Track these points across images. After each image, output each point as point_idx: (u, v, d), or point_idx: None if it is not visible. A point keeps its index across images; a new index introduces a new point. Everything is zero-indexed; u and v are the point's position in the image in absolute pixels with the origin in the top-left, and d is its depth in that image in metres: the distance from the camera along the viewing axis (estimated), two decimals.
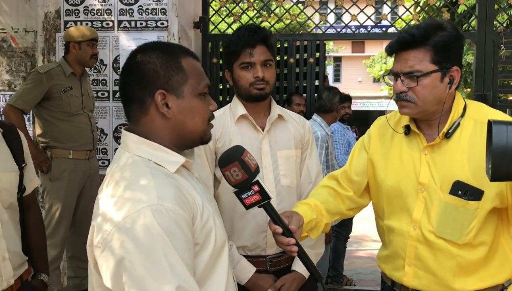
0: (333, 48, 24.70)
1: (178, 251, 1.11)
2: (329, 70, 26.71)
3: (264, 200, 1.44)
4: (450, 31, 1.58)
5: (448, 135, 1.61)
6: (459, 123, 1.62)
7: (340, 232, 4.93)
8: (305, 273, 1.94)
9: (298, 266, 1.95)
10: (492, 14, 4.17)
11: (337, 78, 29.23)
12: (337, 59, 28.88)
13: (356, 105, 21.36)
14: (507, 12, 4.86)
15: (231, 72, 1.97)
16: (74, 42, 3.60)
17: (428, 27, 1.57)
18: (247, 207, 1.45)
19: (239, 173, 1.39)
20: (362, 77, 27.89)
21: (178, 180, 1.24)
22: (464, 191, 1.55)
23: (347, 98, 5.11)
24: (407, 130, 1.71)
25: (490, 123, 1.08)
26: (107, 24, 3.98)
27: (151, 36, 3.87)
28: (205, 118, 1.32)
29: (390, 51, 1.64)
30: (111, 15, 3.97)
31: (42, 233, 2.04)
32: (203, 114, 1.31)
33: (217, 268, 1.28)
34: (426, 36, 1.55)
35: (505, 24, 4.26)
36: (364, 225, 6.33)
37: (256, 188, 1.41)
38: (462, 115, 1.63)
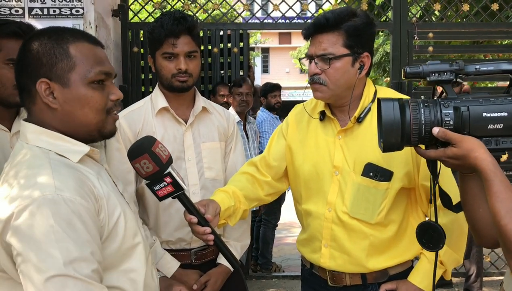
0: (260, 40, 24.85)
1: (76, 242, 1.07)
2: (257, 61, 26.86)
3: (177, 191, 1.41)
4: (362, 18, 1.64)
5: (359, 120, 1.67)
6: (370, 108, 1.68)
7: (268, 220, 5.00)
8: (231, 266, 1.92)
9: (224, 259, 1.93)
10: (406, 5, 4.37)
11: (265, 69, 29.48)
12: (265, 51, 29.11)
13: (284, 96, 21.68)
14: (420, 4, 5.11)
15: (153, 59, 1.90)
16: None
17: (342, 12, 1.63)
18: (160, 199, 1.42)
19: (149, 165, 1.35)
20: (290, 68, 28.33)
21: (81, 170, 1.19)
22: (375, 172, 1.61)
23: (276, 87, 5.16)
24: (322, 116, 1.75)
25: (379, 101, 1.20)
26: (17, 11, 3.73)
27: (66, 25, 3.67)
28: (98, 109, 1.23)
29: (306, 34, 1.68)
30: (21, 1, 3.72)
31: None
32: (94, 104, 1.22)
33: (130, 261, 1.25)
34: (339, 21, 1.61)
35: (418, 15, 4.48)
36: (292, 212, 6.46)
37: (168, 179, 1.39)
38: (373, 100, 1.69)
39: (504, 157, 4.57)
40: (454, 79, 1.17)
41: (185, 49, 1.83)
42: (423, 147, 1.20)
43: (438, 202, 1.33)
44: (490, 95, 1.13)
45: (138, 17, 4.35)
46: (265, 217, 4.95)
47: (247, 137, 4.27)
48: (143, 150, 1.36)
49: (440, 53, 4.90)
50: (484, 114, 1.10)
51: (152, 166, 1.35)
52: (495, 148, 1.11)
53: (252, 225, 4.89)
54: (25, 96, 1.23)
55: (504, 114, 1.09)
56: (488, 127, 1.10)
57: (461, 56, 6.10)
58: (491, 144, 1.11)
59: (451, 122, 1.12)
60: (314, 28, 1.64)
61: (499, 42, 7.21)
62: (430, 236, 1.30)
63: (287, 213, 6.51)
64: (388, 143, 1.17)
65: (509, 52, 5.46)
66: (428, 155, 1.17)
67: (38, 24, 3.73)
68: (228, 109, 4.02)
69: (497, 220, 1.01)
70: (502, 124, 1.10)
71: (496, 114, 1.09)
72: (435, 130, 1.12)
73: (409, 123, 1.13)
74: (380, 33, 10.58)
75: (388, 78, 8.49)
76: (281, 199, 4.98)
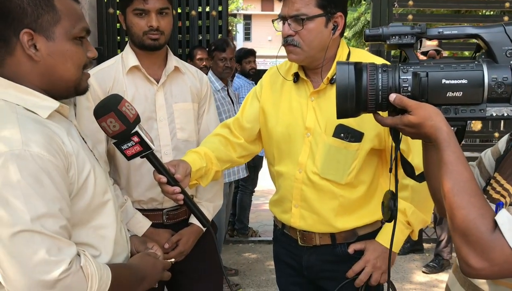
0: (242, 6, 24.49)
1: (43, 198, 1.06)
2: (239, 28, 26.51)
3: (145, 151, 1.40)
4: None
5: (332, 81, 1.66)
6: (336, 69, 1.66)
7: (246, 186, 5.03)
8: (202, 226, 1.93)
9: (196, 219, 1.94)
10: None
11: (247, 36, 29.15)
12: (247, 18, 28.72)
13: (266, 65, 21.53)
14: None
15: (124, 16, 1.85)
16: None
17: None
18: (128, 158, 1.42)
19: (116, 123, 1.33)
20: (272, 36, 28.05)
21: (50, 126, 1.17)
22: (346, 133, 1.62)
23: (250, 53, 5.08)
24: (296, 78, 1.74)
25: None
26: None
27: None
28: (79, 65, 1.24)
29: None
30: None
31: None
32: (77, 60, 1.23)
33: (100, 217, 1.26)
34: None
35: None
36: (269, 179, 6.50)
37: (136, 138, 1.38)
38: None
39: (478, 126, 4.65)
40: (416, 43, 1.12)
41: (156, 5, 1.78)
42: (385, 114, 1.14)
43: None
44: (454, 61, 1.07)
45: None
46: (242, 183, 4.98)
47: (233, 103, 4.11)
48: (109, 108, 1.34)
49: (420, 21, 4.88)
50: (444, 81, 1.04)
51: (118, 124, 1.34)
52: (454, 117, 1.06)
53: (235, 192, 4.92)
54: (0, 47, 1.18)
55: (464, 81, 1.03)
56: (447, 95, 1.04)
57: (445, 25, 6.10)
58: (450, 113, 1.06)
59: (409, 88, 1.06)
60: None
61: (480, 12, 7.23)
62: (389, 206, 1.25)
63: (264, 180, 6.57)
64: (342, 109, 1.11)
65: (488, 22, 5.48)
66: (385, 122, 1.12)
67: None
68: (206, 74, 3.95)
69: (444, 191, 0.98)
70: (461, 92, 1.03)
71: (455, 82, 1.03)
72: (392, 96, 1.06)
73: (366, 89, 1.08)
74: (363, 2, 10.51)
75: (368, 47, 8.48)
76: (258, 166, 5.01)
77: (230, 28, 5.79)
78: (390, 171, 1.20)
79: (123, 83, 1.84)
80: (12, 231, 1.03)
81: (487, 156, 1.22)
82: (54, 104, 1.21)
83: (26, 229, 1.03)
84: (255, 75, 5.06)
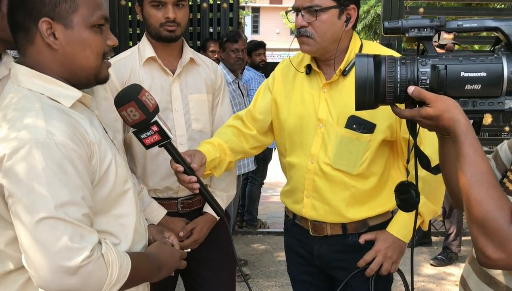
0: None
1: (67, 186, 1.09)
2: (247, 21, 26.42)
3: (164, 140, 1.43)
4: None
5: (345, 73, 1.68)
6: (355, 62, 1.68)
7: (255, 177, 5.06)
8: (216, 215, 1.95)
9: (210, 208, 1.96)
10: None
11: (255, 29, 29.07)
12: (255, 10, 28.64)
13: (274, 57, 21.50)
14: None
15: (141, 7, 1.87)
16: None
17: None
18: (147, 147, 1.45)
19: (136, 113, 1.36)
20: (280, 29, 27.96)
21: (73, 116, 1.19)
22: (358, 124, 1.64)
23: (260, 45, 5.08)
24: (308, 69, 1.77)
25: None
26: None
27: None
28: (99, 53, 1.24)
29: None
30: None
31: None
32: (96, 48, 1.23)
33: (121, 206, 1.28)
34: None
35: None
36: (278, 172, 6.52)
37: (155, 128, 1.41)
38: None
39: (488, 120, 4.64)
40: (435, 35, 1.11)
41: None
42: (402, 106, 1.14)
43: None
44: (473, 54, 1.07)
45: None
46: (251, 175, 5.01)
47: (243, 96, 4.12)
48: (130, 97, 1.37)
49: (431, 15, 4.87)
50: (462, 74, 1.04)
51: (139, 114, 1.37)
52: (472, 110, 1.06)
53: (244, 183, 4.95)
54: (20, 35, 1.20)
55: (483, 74, 1.02)
56: (466, 88, 1.04)
57: (456, 18, 6.06)
58: (468, 106, 1.06)
59: (428, 81, 1.06)
60: None
61: (491, 5, 7.16)
62: (408, 197, 1.25)
63: (273, 172, 6.61)
64: (361, 101, 1.12)
65: (500, 16, 5.45)
66: (403, 114, 1.12)
67: None
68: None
69: (461, 183, 0.99)
70: (480, 85, 1.03)
71: (474, 74, 1.03)
72: (410, 89, 1.06)
73: (384, 81, 1.08)
74: None
75: (378, 40, 8.45)
76: (267, 158, 5.04)
77: (241, 20, 5.79)
78: (408, 162, 1.21)
79: (140, 74, 1.87)
80: (36, 217, 1.05)
81: (504, 149, 1.23)
82: (77, 93, 1.23)
83: (50, 216, 1.06)
84: (265, 68, 5.07)
